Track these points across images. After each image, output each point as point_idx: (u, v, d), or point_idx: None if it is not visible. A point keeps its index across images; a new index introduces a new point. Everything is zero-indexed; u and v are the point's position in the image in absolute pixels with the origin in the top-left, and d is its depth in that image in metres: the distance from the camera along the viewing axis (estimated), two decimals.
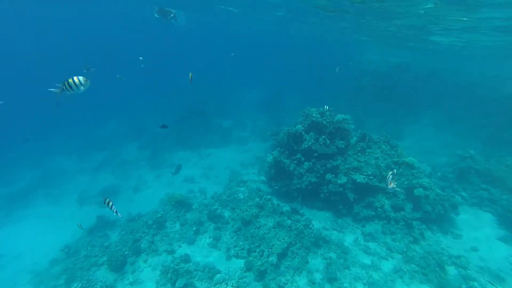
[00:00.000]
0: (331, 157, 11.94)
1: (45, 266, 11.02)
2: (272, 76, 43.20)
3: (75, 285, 8.96)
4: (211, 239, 10.91)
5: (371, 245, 10.09)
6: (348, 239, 10.41)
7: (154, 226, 11.24)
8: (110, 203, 5.32)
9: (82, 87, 4.64)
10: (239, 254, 10.03)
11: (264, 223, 10.85)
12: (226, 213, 12.19)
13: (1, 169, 20.33)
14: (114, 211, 5.33)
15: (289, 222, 10.60)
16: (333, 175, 11.58)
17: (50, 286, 9.54)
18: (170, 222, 11.85)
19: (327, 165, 11.79)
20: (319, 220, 11.61)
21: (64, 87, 4.59)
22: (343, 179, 11.11)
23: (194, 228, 11.20)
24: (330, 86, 29.37)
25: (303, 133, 12.33)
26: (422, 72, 25.69)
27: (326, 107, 11.65)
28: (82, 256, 10.28)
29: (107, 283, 9.05)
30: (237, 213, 11.55)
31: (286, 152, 13.19)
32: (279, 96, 30.17)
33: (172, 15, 10.50)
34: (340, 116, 12.29)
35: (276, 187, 13.05)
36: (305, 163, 12.10)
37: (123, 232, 11.76)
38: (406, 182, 11.02)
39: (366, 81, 25.72)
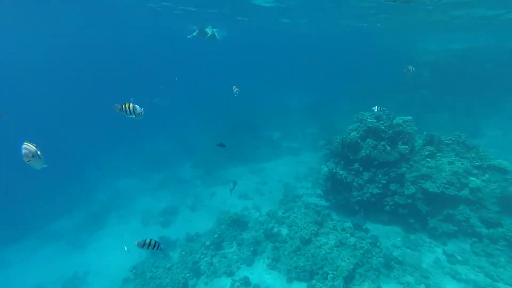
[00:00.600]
0: (394, 165, 10.67)
1: (119, 285, 11.84)
2: (319, 78, 41.84)
3: None
4: (270, 259, 10.49)
5: (460, 268, 8.47)
6: (427, 260, 8.96)
7: (211, 247, 11.28)
8: (153, 242, 5.33)
9: (138, 115, 4.98)
10: (300, 277, 9.40)
11: (325, 242, 10.06)
12: (283, 231, 11.67)
13: (82, 193, 23.02)
14: (158, 247, 5.36)
15: (352, 240, 9.65)
16: (398, 185, 10.31)
17: None
18: (227, 242, 11.78)
19: (390, 174, 10.56)
20: (387, 236, 10.35)
21: (122, 109, 4.90)
22: (411, 189, 9.78)
23: (251, 248, 10.91)
24: (382, 85, 27.22)
25: (359, 141, 11.32)
26: (498, 55, 22.13)
27: (378, 107, 10.31)
28: (148, 277, 10.74)
29: None
30: (295, 231, 10.96)
31: (342, 163, 12.26)
32: (328, 99, 28.95)
33: (211, 33, 10.71)
34: (399, 119, 11.01)
35: (334, 200, 12.16)
36: (365, 173, 11.04)
37: (183, 252, 12.05)
38: (498, 190, 9.15)
39: (425, 74, 23.11)
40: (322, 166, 12.64)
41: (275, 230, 11.59)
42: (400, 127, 10.66)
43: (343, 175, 11.57)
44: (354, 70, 38.89)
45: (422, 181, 9.77)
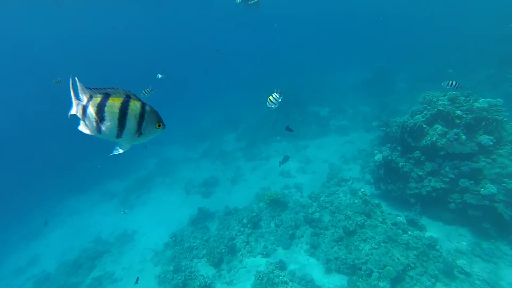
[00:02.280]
0: (468, 158, 8.88)
1: (161, 248, 12.48)
2: (375, 51, 37.64)
3: (181, 275, 9.58)
4: (308, 245, 9.93)
5: None
6: (508, 277, 7.43)
7: (249, 225, 11.04)
8: None
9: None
10: (341, 269, 8.70)
11: (371, 235, 9.08)
12: (325, 217, 10.91)
13: (134, 159, 24.66)
14: None
15: (405, 237, 8.50)
16: (471, 182, 8.61)
17: (164, 270, 10.59)
18: (265, 222, 11.45)
19: (462, 167, 8.85)
20: (448, 238, 8.94)
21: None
22: (491, 189, 8.05)
23: (290, 232, 10.42)
24: (459, 56, 23.24)
25: (424, 126, 9.60)
26: None
27: (452, 82, 7.87)
28: (186, 247, 11.03)
29: (206, 279, 9.31)
30: (338, 219, 10.11)
31: (399, 148, 10.71)
32: (384, 75, 25.76)
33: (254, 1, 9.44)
34: (484, 102, 8.95)
35: (385, 190, 10.84)
36: (427, 163, 9.45)
37: (221, 226, 12.10)
38: None
39: None
40: (375, 151, 11.22)
41: (316, 215, 10.85)
42: (484, 113, 8.66)
43: (400, 163, 10.10)
44: (417, 45, 33.95)
45: (509, 180, 7.94)
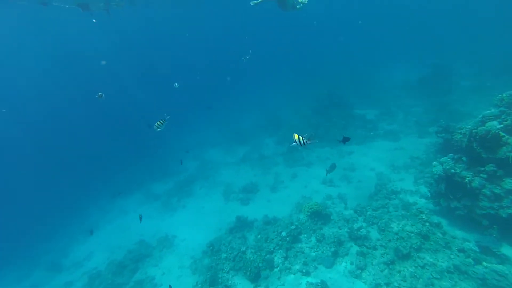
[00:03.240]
0: None
1: (199, 255, 12.41)
2: (427, 47, 34.15)
3: None
4: (354, 266, 8.95)
5: None
6: None
7: (288, 238, 10.37)
8: None
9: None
10: None
11: (431, 262, 7.82)
12: (373, 234, 9.78)
13: (175, 161, 25.47)
14: None
15: (480, 270, 7.10)
16: None
17: (201, 280, 10.40)
18: (305, 235, 10.68)
19: None
20: None
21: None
22: None
23: (332, 249, 9.52)
24: None
25: (502, 134, 8.00)
26: None
27: None
28: (223, 257, 10.74)
29: None
30: (389, 239, 8.96)
31: (464, 160, 9.15)
32: (441, 72, 23.03)
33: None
34: None
35: (447, 207, 9.34)
36: (507, 180, 7.85)
37: (259, 236, 11.59)
38: None
39: None
40: (434, 162, 9.75)
41: (363, 232, 9.77)
42: None
43: (467, 178, 8.59)
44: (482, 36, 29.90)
45: None
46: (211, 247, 11.66)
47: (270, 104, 31.64)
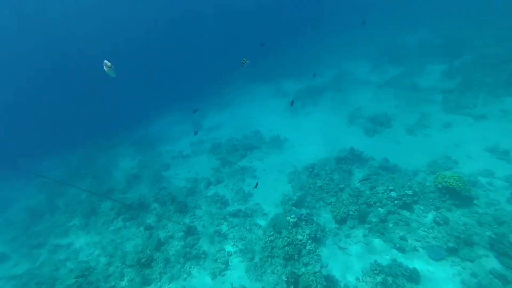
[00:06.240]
0: None
1: (300, 169, 12.36)
2: None
3: (302, 211, 9.27)
4: (467, 275, 6.72)
5: None
6: None
7: (396, 202, 8.52)
8: None
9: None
10: None
11: None
12: None
13: (313, 63, 23.65)
14: None
15: None
16: None
17: (290, 197, 10.50)
18: (421, 207, 8.50)
19: None
20: None
21: None
22: None
23: (450, 244, 7.25)
24: None
25: None
26: None
27: None
28: (318, 185, 10.22)
29: (323, 228, 8.58)
30: None
31: None
32: None
33: None
34: None
35: None
36: None
37: (365, 181, 10.12)
38: None
39: None
40: None
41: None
42: None
43: None
44: None
45: None
46: (311, 170, 11.24)
47: (450, 18, 22.26)
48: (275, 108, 19.35)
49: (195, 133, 13.88)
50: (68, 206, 12.47)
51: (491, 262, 6.85)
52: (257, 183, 9.54)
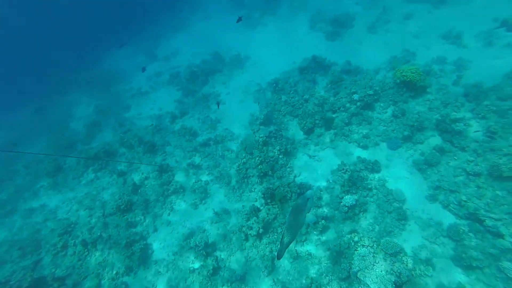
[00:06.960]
0: None
1: (264, 86, 11.94)
2: None
3: (270, 128, 9.33)
4: (422, 158, 7.55)
5: None
6: None
7: (358, 103, 8.69)
8: None
9: None
10: (450, 207, 6.59)
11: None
12: (473, 133, 7.41)
13: None
14: None
15: None
16: None
17: (257, 116, 10.35)
18: (381, 104, 8.80)
19: None
20: None
21: None
22: None
23: (406, 132, 7.81)
24: None
25: None
26: None
27: None
28: (283, 100, 10.08)
29: (292, 141, 8.86)
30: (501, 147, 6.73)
31: None
32: None
33: None
34: None
35: None
36: None
37: (329, 86, 10.09)
38: None
39: None
40: None
41: (460, 126, 7.41)
42: None
43: None
44: None
45: None
46: (274, 85, 10.89)
47: None
48: (232, 24, 17.43)
49: (143, 69, 12.49)
50: (29, 168, 11.71)
51: (436, 140, 7.64)
52: (218, 103, 9.35)
